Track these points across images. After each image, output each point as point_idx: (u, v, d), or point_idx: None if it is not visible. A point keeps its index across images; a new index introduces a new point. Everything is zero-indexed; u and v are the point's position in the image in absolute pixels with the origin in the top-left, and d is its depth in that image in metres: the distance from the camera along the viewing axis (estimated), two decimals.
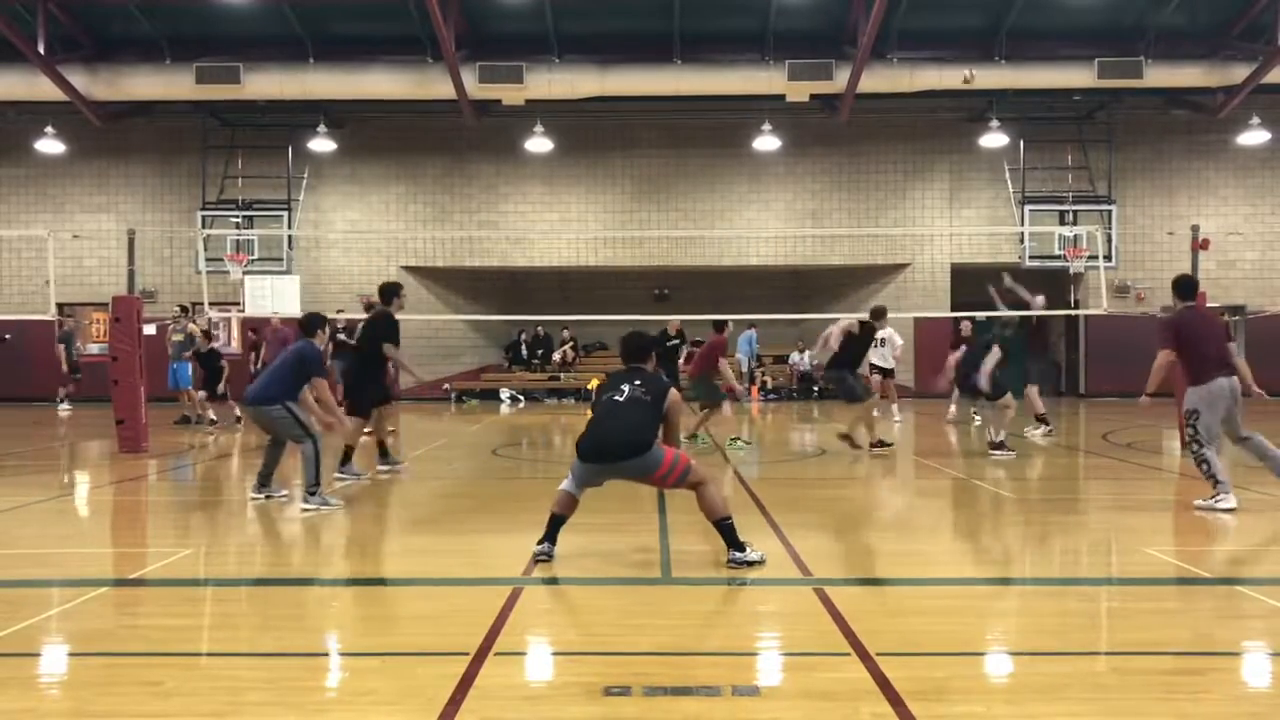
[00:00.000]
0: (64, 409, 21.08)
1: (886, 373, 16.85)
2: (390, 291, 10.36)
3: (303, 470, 8.09)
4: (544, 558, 5.91)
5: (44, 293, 16.45)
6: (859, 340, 12.01)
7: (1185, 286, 8.30)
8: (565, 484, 6.04)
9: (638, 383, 6.03)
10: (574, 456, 6.00)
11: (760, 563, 5.76)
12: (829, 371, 12.44)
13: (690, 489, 5.92)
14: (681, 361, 16.81)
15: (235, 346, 23.36)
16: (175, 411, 17.41)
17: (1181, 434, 8.34)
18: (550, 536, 5.99)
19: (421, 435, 15.77)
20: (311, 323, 8.76)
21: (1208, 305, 12.68)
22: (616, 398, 5.98)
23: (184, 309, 17.69)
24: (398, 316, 10.35)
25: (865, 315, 12.53)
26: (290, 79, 20.69)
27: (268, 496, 8.41)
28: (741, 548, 5.79)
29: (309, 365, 8.26)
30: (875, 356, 15.77)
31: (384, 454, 10.46)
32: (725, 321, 13.76)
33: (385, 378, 10.76)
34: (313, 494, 7.95)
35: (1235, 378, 7.99)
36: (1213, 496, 7.85)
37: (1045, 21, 20.47)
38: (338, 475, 9.52)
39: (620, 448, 5.80)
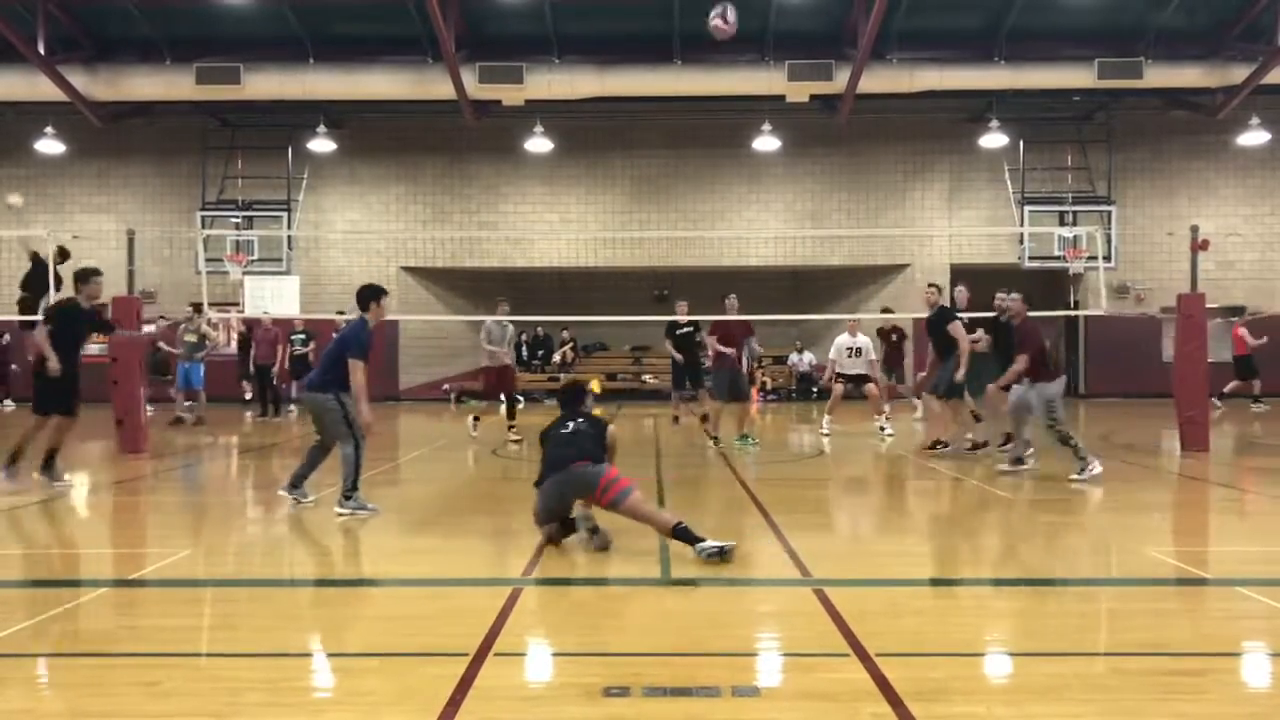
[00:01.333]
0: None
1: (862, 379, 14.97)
2: (81, 276, 9.48)
3: (340, 472, 7.68)
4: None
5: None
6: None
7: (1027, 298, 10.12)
8: (546, 526, 6.41)
9: (580, 420, 6.71)
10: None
11: (731, 547, 5.85)
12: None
13: (629, 515, 6.17)
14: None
15: (236, 348, 23.32)
16: (171, 412, 17.46)
17: (1055, 424, 9.51)
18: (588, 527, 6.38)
19: (422, 435, 15.76)
20: (361, 296, 8.16)
21: (1207, 306, 12.75)
22: (564, 430, 6.61)
23: (196, 308, 17.57)
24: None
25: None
26: (290, 79, 20.68)
27: (297, 501, 7.94)
28: (703, 539, 5.93)
29: (345, 345, 7.72)
30: (857, 367, 14.43)
31: (49, 465, 9.32)
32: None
33: (76, 382, 9.52)
34: (349, 498, 7.61)
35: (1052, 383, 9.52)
36: (1083, 469, 9.21)
37: (1045, 22, 20.46)
38: (39, 478, 9.17)
39: (575, 456, 6.33)
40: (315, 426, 8.05)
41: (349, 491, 7.62)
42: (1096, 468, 9.22)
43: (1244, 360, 19.54)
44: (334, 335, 8.95)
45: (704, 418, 15.93)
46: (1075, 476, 9.19)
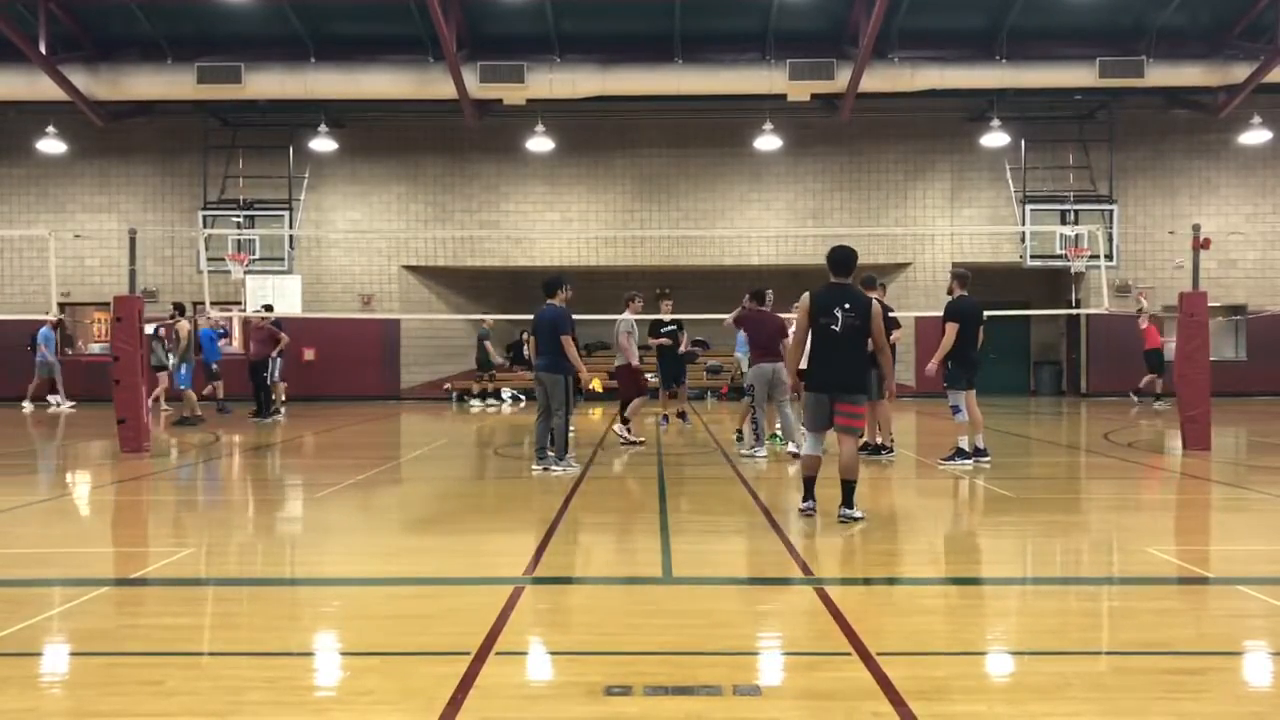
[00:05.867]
0: (475, 405, 22.42)
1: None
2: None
3: (555, 438, 9.96)
4: (809, 513, 7.17)
5: (46, 292, 16.37)
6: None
7: (758, 294, 11.92)
8: (807, 446, 7.26)
9: (847, 306, 6.96)
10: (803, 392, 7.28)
11: (862, 519, 7.00)
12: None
13: (842, 441, 7.08)
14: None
15: (238, 347, 23.36)
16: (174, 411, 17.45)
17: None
18: (810, 494, 7.22)
19: (423, 434, 15.77)
20: (549, 286, 10.05)
21: (1209, 305, 12.72)
22: (834, 327, 6.96)
23: (178, 308, 17.53)
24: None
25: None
26: (291, 79, 20.69)
27: (546, 469, 9.81)
28: (851, 505, 7.02)
29: (561, 328, 9.72)
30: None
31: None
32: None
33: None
34: (560, 459, 9.93)
35: (779, 364, 11.00)
36: (752, 448, 11.28)
37: (1046, 21, 20.46)
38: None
39: (842, 385, 7.04)
40: (540, 400, 10.01)
41: (560, 454, 9.92)
42: (760, 450, 10.88)
43: (1154, 354, 20.44)
44: (536, 323, 10.24)
45: (680, 413, 16.28)
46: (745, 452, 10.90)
